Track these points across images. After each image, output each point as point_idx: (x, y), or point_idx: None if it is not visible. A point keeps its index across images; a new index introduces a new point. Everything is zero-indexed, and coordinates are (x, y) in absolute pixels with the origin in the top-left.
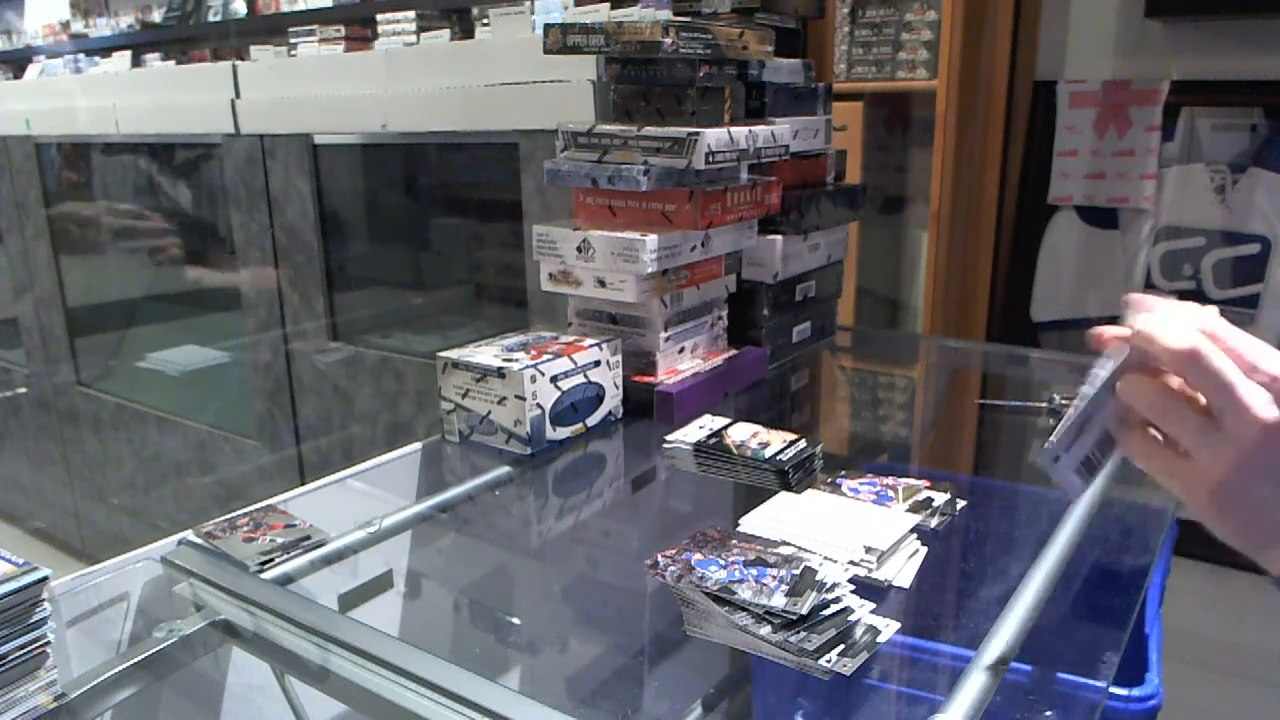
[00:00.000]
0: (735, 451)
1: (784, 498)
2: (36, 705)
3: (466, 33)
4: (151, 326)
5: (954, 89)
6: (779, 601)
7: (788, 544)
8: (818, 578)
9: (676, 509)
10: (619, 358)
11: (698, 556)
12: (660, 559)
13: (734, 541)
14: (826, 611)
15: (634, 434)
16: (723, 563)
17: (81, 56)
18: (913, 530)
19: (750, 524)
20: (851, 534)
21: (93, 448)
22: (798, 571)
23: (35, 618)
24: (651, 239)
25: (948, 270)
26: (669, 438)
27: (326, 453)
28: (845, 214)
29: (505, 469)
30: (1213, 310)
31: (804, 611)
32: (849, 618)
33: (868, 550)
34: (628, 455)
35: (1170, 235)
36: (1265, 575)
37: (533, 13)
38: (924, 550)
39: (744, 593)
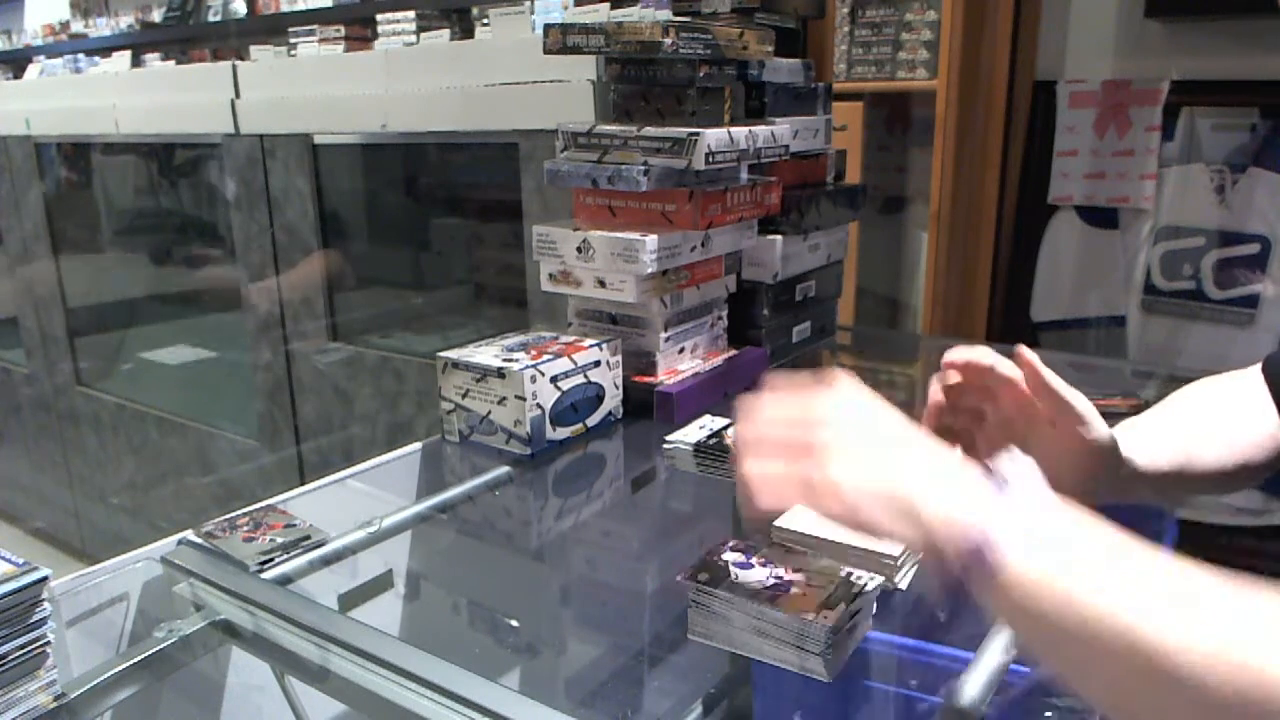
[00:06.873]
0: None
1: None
2: (36, 705)
3: (466, 33)
4: (151, 326)
5: (954, 89)
6: (811, 614)
7: (825, 545)
8: (853, 589)
9: (676, 509)
10: (619, 358)
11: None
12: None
13: (772, 547)
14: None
15: (634, 434)
16: (764, 570)
17: (81, 56)
18: None
19: (784, 527)
20: (874, 540)
21: (93, 448)
22: (834, 582)
23: (35, 618)
24: (651, 239)
25: (948, 270)
26: (669, 438)
27: (326, 453)
28: (845, 214)
29: (505, 469)
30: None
31: (831, 625)
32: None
33: (897, 558)
34: (628, 455)
35: (1170, 235)
36: (1266, 577)
37: (533, 13)
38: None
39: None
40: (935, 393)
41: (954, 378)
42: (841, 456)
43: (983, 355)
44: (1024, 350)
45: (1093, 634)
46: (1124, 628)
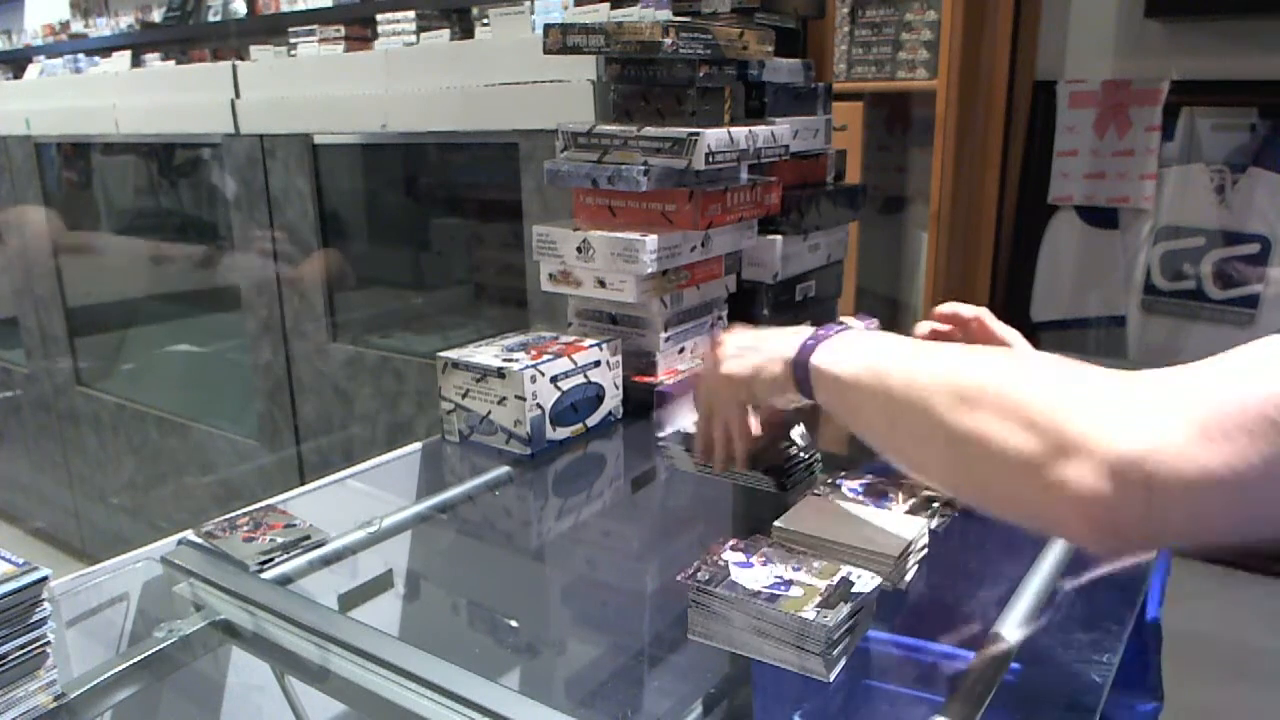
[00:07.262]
0: None
1: (812, 502)
2: (36, 705)
3: (466, 33)
4: (151, 326)
5: (954, 89)
6: (811, 614)
7: (824, 545)
8: (853, 589)
9: (676, 509)
10: (619, 358)
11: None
12: (698, 564)
13: (772, 547)
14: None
15: (634, 434)
16: (764, 570)
17: (81, 56)
18: (924, 532)
19: (784, 527)
20: (874, 540)
21: (93, 448)
22: (834, 582)
23: (35, 618)
24: (651, 239)
25: (948, 270)
26: (661, 434)
27: (326, 453)
28: (845, 214)
29: (505, 469)
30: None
31: (831, 624)
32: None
33: (897, 558)
34: (628, 455)
35: (1170, 235)
36: (1267, 575)
37: (533, 13)
38: (924, 550)
39: (782, 605)
40: (921, 331)
41: (940, 325)
42: (736, 339)
43: (967, 310)
44: (982, 313)
45: (870, 392)
46: (889, 382)
